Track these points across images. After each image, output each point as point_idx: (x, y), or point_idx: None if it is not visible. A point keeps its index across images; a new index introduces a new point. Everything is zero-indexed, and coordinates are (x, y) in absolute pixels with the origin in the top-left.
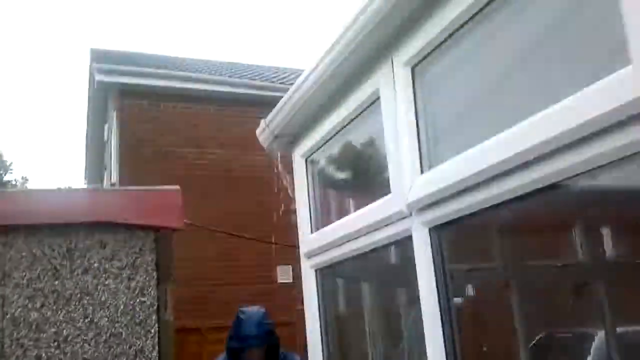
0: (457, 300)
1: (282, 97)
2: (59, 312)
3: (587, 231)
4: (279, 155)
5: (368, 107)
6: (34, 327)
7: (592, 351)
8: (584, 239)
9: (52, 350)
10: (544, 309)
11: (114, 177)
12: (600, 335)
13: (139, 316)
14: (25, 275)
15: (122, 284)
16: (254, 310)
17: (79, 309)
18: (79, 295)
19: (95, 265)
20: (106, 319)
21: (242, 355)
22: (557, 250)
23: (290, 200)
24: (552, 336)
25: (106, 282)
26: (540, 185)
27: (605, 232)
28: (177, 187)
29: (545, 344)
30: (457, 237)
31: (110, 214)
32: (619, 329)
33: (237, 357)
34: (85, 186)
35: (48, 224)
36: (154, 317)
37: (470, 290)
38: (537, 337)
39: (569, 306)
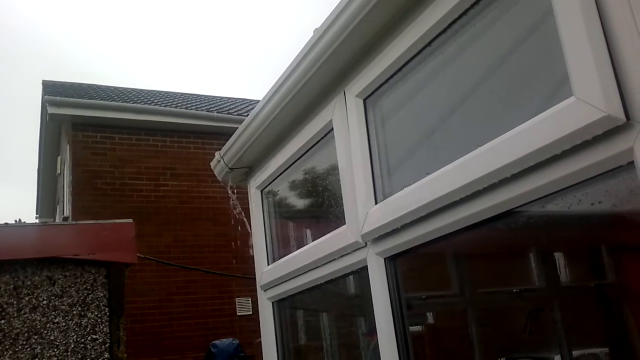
0: (417, 328)
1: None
2: (5, 353)
3: (540, 257)
4: (233, 187)
5: (322, 138)
6: None
7: None
8: (538, 264)
9: None
10: (502, 335)
11: (67, 211)
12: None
13: (91, 354)
14: None
15: (73, 321)
16: (226, 343)
17: (26, 349)
18: (26, 335)
19: (44, 302)
20: (55, 359)
21: None
22: (513, 276)
23: (247, 231)
24: None
25: (56, 320)
26: (490, 214)
27: (559, 257)
28: (130, 220)
29: None
30: (412, 266)
31: (60, 249)
32: (575, 353)
33: None
34: (37, 220)
35: None
36: (106, 355)
37: (429, 318)
38: None
39: (526, 331)
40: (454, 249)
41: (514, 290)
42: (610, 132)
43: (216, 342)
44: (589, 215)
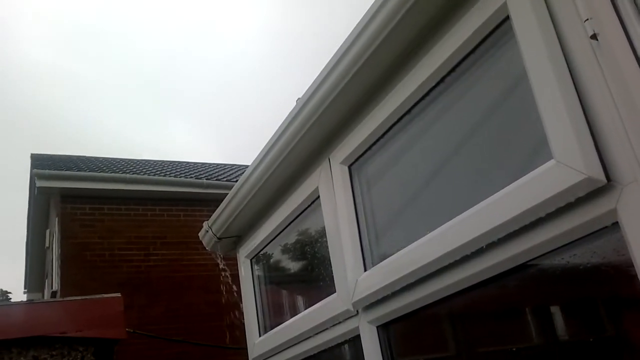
0: None
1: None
2: None
3: (536, 314)
4: (221, 257)
5: (309, 205)
6: None
7: None
8: (534, 321)
9: None
10: None
11: (56, 284)
12: None
13: None
14: None
15: None
16: None
17: None
18: None
19: None
20: None
21: None
22: (510, 334)
23: (239, 299)
24: None
25: None
26: (480, 279)
27: (555, 312)
28: (118, 294)
29: None
30: (406, 331)
31: (47, 327)
32: None
33: None
34: (25, 295)
35: None
36: None
37: None
38: None
39: None
40: (448, 311)
41: (512, 349)
42: (592, 193)
43: None
44: (581, 269)
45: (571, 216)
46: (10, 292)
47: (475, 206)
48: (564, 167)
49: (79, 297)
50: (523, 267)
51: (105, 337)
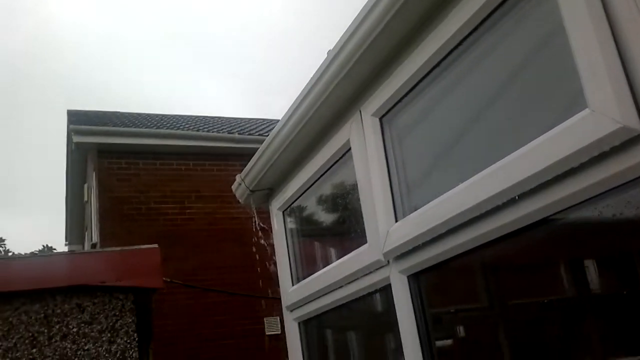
0: (447, 342)
1: None
2: None
3: (570, 266)
4: (255, 209)
5: (340, 158)
6: None
7: None
8: (567, 274)
9: None
10: (534, 346)
11: (95, 237)
12: None
13: None
14: (1, 345)
15: (103, 347)
16: None
17: None
18: None
19: (74, 330)
20: None
21: None
22: (543, 287)
23: (272, 251)
24: None
25: (86, 347)
26: (511, 229)
27: (589, 265)
28: (156, 245)
29: None
30: (437, 282)
31: (88, 277)
32: None
33: None
34: (66, 247)
35: (24, 290)
36: None
37: (459, 332)
38: None
39: (559, 342)
40: (480, 262)
41: (545, 301)
42: (627, 142)
43: None
44: (617, 221)
45: (605, 166)
46: (53, 248)
47: (508, 156)
48: (599, 116)
49: (117, 248)
50: (555, 218)
51: (144, 286)
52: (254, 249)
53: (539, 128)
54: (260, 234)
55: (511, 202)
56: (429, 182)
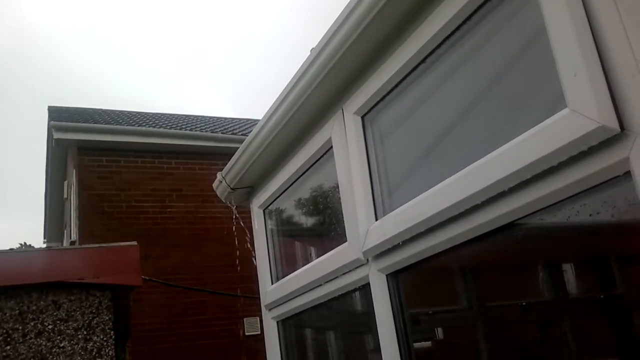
0: (425, 344)
1: None
2: None
3: (547, 269)
4: (235, 207)
5: (322, 156)
6: None
7: None
8: (545, 276)
9: None
10: (512, 348)
11: (74, 235)
12: None
13: None
14: None
15: (79, 345)
16: None
17: None
18: None
19: (50, 327)
20: None
21: None
22: (520, 289)
23: (252, 251)
24: None
25: (61, 345)
26: (490, 228)
27: (566, 268)
28: (135, 243)
29: None
30: (416, 281)
31: (65, 273)
32: None
33: None
34: (44, 244)
35: None
36: None
37: (436, 333)
38: None
39: (536, 344)
40: (458, 262)
41: (523, 304)
42: (605, 142)
43: None
44: (593, 225)
45: (583, 165)
46: (31, 245)
47: (487, 156)
48: (578, 116)
49: (96, 245)
50: (533, 218)
51: (122, 284)
52: (233, 249)
53: (519, 127)
54: (240, 233)
55: (490, 202)
56: (409, 181)
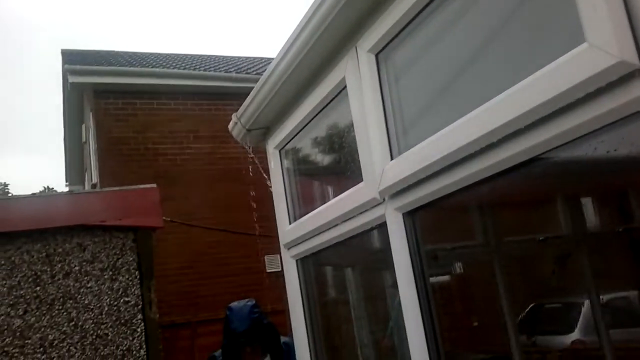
0: (442, 278)
1: None
2: (43, 318)
3: (566, 203)
4: (252, 148)
5: (336, 95)
6: (18, 334)
7: (580, 318)
8: (564, 211)
9: (39, 356)
10: (529, 282)
11: (95, 177)
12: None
13: (124, 316)
14: (5, 283)
15: (105, 285)
16: (240, 304)
17: (62, 313)
18: (62, 300)
19: (76, 268)
20: (91, 322)
21: (238, 352)
22: (538, 224)
23: (269, 191)
24: (541, 307)
25: (88, 285)
26: (506, 166)
27: (585, 203)
28: (154, 185)
29: (535, 314)
30: (434, 219)
31: (88, 216)
32: (604, 297)
33: (233, 355)
34: (67, 187)
35: (25, 230)
36: (139, 316)
37: (456, 268)
38: (526, 309)
39: (554, 278)
40: (475, 199)
41: (540, 238)
42: (624, 78)
43: (232, 304)
44: (611, 160)
45: (602, 101)
46: (53, 189)
47: (503, 93)
48: (596, 51)
49: (116, 188)
50: (550, 155)
51: (143, 226)
52: (251, 189)
53: (535, 64)
54: (258, 173)
55: (506, 139)
56: (425, 120)
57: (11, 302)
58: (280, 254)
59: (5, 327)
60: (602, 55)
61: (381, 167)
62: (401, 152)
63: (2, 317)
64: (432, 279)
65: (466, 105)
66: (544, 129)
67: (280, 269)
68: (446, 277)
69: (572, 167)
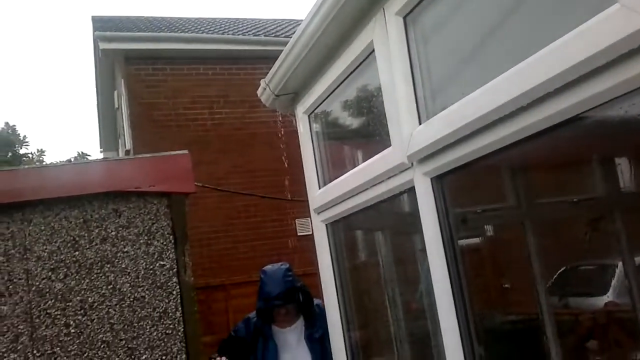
0: (474, 241)
1: None
2: (82, 281)
3: (600, 165)
4: (281, 113)
5: (364, 59)
6: (59, 297)
7: (614, 280)
8: (597, 172)
9: (80, 317)
10: (562, 245)
11: (128, 144)
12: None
13: (160, 279)
14: (46, 249)
15: (141, 249)
16: (274, 268)
17: (101, 277)
18: (99, 264)
19: (113, 233)
20: (128, 285)
21: (272, 315)
22: (571, 185)
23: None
24: (573, 269)
25: (125, 250)
26: (539, 128)
27: (620, 163)
28: (186, 151)
29: (567, 276)
30: (462, 183)
31: (122, 183)
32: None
33: (267, 317)
34: (101, 154)
35: (63, 197)
36: (174, 279)
37: (486, 231)
38: (559, 271)
39: (587, 240)
40: (507, 162)
41: (573, 200)
42: None
43: (266, 267)
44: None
45: (634, 63)
46: (88, 154)
47: (532, 56)
48: (628, 11)
49: (150, 155)
50: (580, 117)
51: (176, 191)
52: (281, 153)
53: (566, 26)
54: (287, 138)
55: (537, 102)
56: (453, 84)
57: (52, 267)
58: (310, 217)
59: (47, 290)
60: (634, 16)
61: (409, 131)
62: (429, 116)
63: (44, 281)
64: (462, 242)
65: (495, 69)
66: (575, 91)
67: (311, 233)
68: (476, 240)
69: (605, 128)
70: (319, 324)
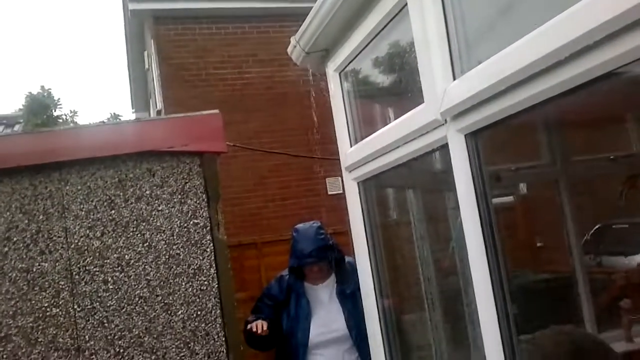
0: (508, 199)
1: None
2: (119, 239)
3: (638, 121)
4: (312, 71)
5: (397, 14)
6: (97, 254)
7: None
8: (635, 129)
9: (117, 274)
10: (597, 203)
11: (159, 104)
12: None
13: (194, 237)
14: (83, 207)
15: (175, 208)
16: (306, 226)
17: (137, 235)
18: (135, 222)
19: (147, 192)
20: (163, 242)
21: (304, 272)
22: (608, 143)
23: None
24: (608, 228)
25: (159, 208)
26: (576, 83)
27: None
28: (217, 111)
29: (601, 235)
30: (497, 140)
31: (156, 142)
32: None
33: (299, 274)
34: (133, 114)
35: (98, 157)
36: (208, 237)
37: (520, 189)
38: (593, 230)
39: (622, 197)
40: (542, 119)
41: (610, 157)
42: None
43: (298, 226)
44: None
45: None
46: (120, 115)
47: (569, 9)
48: None
49: (181, 115)
50: (619, 72)
51: (208, 151)
52: (312, 112)
53: None
54: (318, 96)
55: (574, 56)
56: (487, 39)
57: (89, 225)
58: (341, 176)
59: (85, 248)
60: None
61: (443, 87)
62: (464, 71)
63: (82, 239)
64: (496, 200)
65: (531, 23)
66: (613, 45)
67: (341, 191)
68: (510, 198)
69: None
70: (350, 280)
